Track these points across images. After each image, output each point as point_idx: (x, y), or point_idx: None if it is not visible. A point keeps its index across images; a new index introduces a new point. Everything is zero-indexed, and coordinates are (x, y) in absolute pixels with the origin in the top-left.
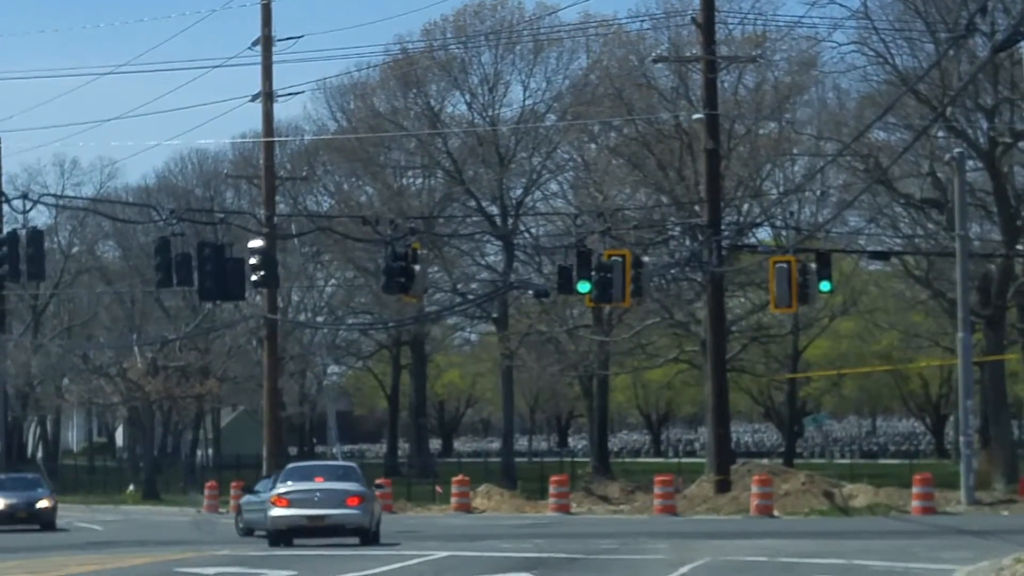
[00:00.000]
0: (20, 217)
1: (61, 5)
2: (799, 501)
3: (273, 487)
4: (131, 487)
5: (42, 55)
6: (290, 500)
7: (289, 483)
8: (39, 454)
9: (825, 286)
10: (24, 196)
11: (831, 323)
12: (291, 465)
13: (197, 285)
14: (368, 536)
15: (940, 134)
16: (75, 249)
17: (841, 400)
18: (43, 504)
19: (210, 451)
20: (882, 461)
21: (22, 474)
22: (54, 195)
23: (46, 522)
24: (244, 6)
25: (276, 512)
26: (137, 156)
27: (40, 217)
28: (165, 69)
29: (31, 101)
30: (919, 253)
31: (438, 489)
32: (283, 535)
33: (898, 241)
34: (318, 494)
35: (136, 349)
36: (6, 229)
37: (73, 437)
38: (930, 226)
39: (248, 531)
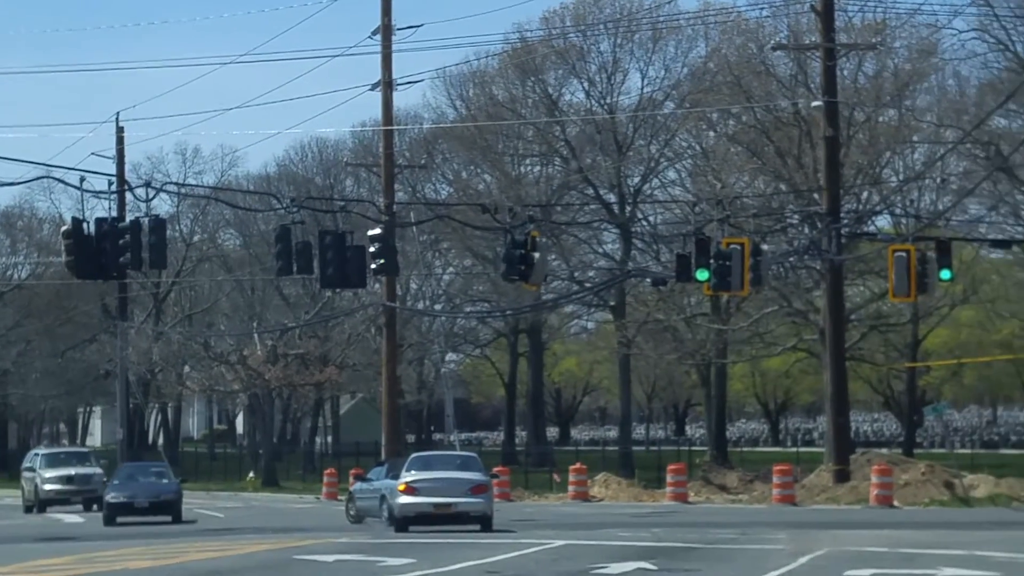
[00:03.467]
0: (143, 205)
1: None
2: (919, 491)
3: (388, 475)
4: (251, 474)
5: (164, 45)
6: (417, 488)
7: (414, 472)
8: (160, 441)
9: (945, 275)
10: (147, 185)
11: (951, 312)
12: (415, 455)
13: (318, 273)
14: (488, 523)
15: None
16: (196, 237)
17: (961, 389)
18: None
19: (329, 438)
20: (1003, 451)
21: None
22: (176, 183)
23: None
24: None
25: (403, 500)
26: (258, 145)
27: (162, 206)
28: (286, 59)
29: (154, 90)
30: None
31: (556, 477)
32: (409, 522)
33: (1020, 229)
34: (443, 483)
35: (256, 337)
36: (129, 218)
37: (194, 424)
38: None
39: (359, 519)
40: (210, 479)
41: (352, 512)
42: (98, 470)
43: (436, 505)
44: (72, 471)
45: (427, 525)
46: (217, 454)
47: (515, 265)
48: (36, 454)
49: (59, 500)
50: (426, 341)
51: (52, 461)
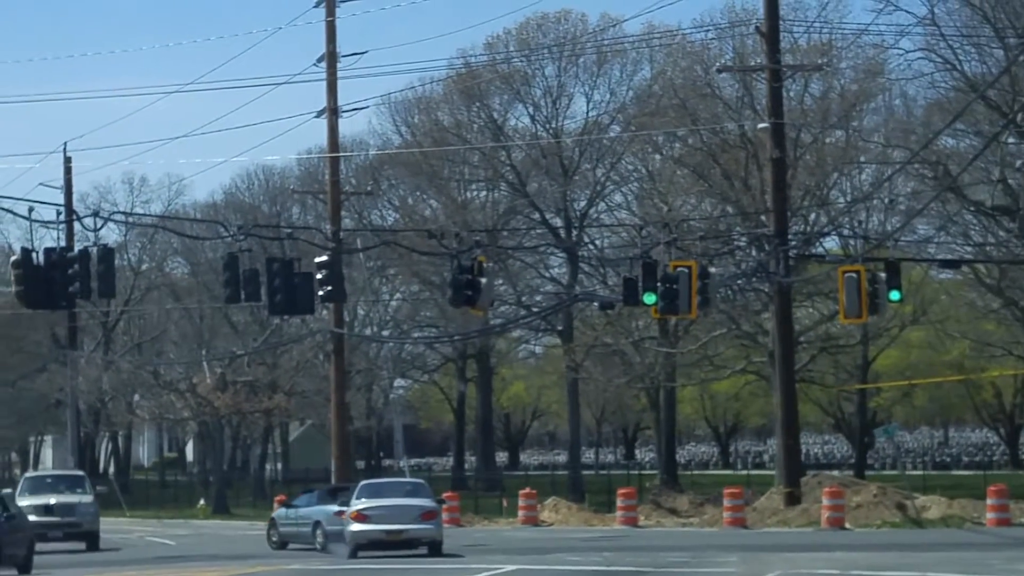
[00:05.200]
0: (91, 235)
1: (129, 26)
2: (871, 513)
3: (321, 502)
4: (202, 502)
5: (110, 75)
6: (369, 516)
7: (363, 500)
8: (111, 469)
9: (895, 295)
10: (95, 214)
11: (901, 333)
12: (364, 482)
13: (267, 300)
14: (438, 549)
15: (1011, 140)
16: (144, 266)
17: (912, 411)
18: None
19: (279, 465)
20: (955, 472)
21: None
22: (124, 213)
23: None
24: (309, 23)
25: (356, 527)
26: (204, 173)
27: (110, 235)
28: (232, 87)
29: (100, 120)
30: (990, 261)
31: (504, 502)
32: (361, 548)
33: (969, 249)
34: (394, 510)
35: (205, 365)
36: (77, 247)
37: (144, 452)
38: (1001, 234)
39: (282, 545)
40: (161, 507)
41: (275, 539)
42: (88, 498)
43: (388, 532)
44: (53, 499)
45: (380, 551)
46: (168, 482)
47: (462, 290)
48: (25, 478)
49: (36, 534)
50: (374, 367)
51: (34, 487)
